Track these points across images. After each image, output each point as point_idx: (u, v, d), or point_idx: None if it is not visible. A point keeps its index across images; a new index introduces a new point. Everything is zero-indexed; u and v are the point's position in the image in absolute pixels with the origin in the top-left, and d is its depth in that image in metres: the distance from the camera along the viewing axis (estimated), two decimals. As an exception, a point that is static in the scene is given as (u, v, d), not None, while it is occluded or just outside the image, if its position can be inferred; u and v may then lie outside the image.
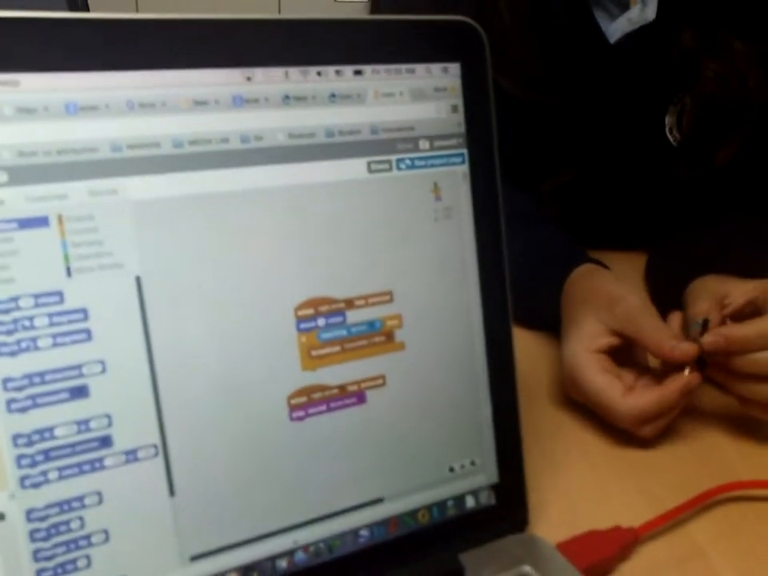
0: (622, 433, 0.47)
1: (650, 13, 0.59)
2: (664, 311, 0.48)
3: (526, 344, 0.58)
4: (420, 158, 0.32)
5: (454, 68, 0.33)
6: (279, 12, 2.18)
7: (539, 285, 0.56)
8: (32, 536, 0.26)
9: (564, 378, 0.49)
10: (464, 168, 0.33)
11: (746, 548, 0.39)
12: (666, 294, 0.55)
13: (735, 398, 0.46)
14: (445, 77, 0.32)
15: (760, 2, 0.58)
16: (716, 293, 0.48)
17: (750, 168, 0.66)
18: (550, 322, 0.54)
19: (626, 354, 0.48)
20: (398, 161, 0.32)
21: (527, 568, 0.34)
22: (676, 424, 0.47)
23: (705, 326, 0.45)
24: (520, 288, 0.52)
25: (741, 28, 0.58)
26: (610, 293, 0.49)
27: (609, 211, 0.71)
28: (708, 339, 0.44)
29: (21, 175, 0.25)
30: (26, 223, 0.25)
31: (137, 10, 2.24)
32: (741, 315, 0.47)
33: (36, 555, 0.26)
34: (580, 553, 0.36)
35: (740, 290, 0.47)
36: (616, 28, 0.60)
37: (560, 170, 0.64)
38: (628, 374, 0.47)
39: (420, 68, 0.32)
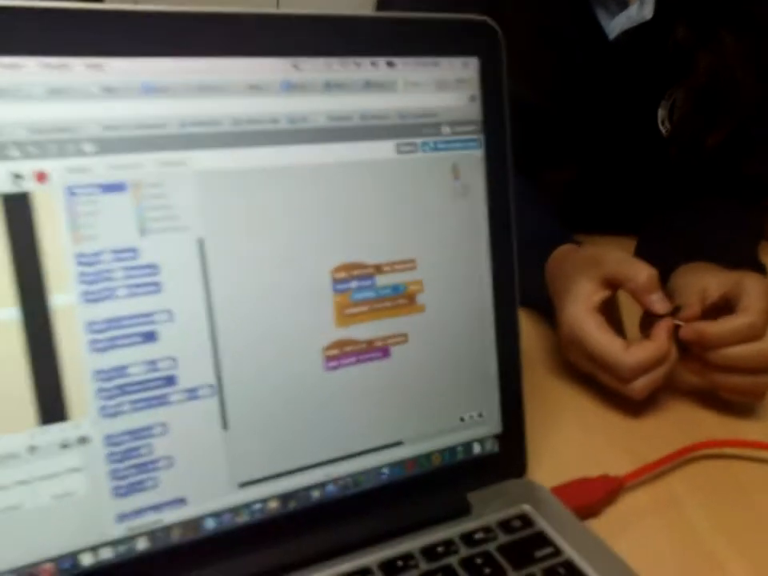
0: (611, 398, 0.51)
1: (648, 11, 0.63)
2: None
3: (523, 321, 0.63)
4: (442, 142, 0.36)
5: (473, 62, 0.37)
6: (278, 5, 2.20)
7: (523, 264, 0.60)
8: (109, 458, 0.30)
9: (563, 342, 0.53)
10: (480, 152, 0.37)
11: (718, 499, 0.44)
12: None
13: (709, 384, 0.51)
14: (465, 70, 0.36)
15: (748, 1, 0.62)
16: (697, 286, 0.53)
17: (732, 153, 0.70)
18: (532, 299, 0.58)
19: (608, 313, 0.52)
20: (423, 143, 0.36)
21: (527, 507, 0.39)
22: (661, 396, 0.52)
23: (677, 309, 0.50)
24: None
25: (731, 24, 0.63)
26: (595, 254, 0.53)
27: (603, 198, 0.75)
28: (685, 331, 0.48)
29: (105, 146, 0.29)
30: (107, 188, 0.29)
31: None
32: (716, 307, 0.51)
33: (112, 475, 0.30)
34: (571, 496, 0.40)
35: (715, 285, 0.52)
36: (615, 25, 0.65)
37: (561, 164, 0.68)
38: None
39: (444, 61, 0.36)
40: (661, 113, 0.69)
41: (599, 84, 0.68)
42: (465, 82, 0.37)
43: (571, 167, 0.69)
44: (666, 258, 0.60)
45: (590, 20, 0.65)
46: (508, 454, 0.41)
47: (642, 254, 0.72)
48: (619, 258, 0.51)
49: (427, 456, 0.38)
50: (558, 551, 0.35)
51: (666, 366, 0.49)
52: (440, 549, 0.35)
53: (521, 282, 0.60)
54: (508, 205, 0.38)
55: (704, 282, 0.53)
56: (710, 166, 0.70)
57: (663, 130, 0.70)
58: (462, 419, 0.39)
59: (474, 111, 0.37)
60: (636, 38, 0.65)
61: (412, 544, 0.35)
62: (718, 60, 0.62)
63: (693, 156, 0.67)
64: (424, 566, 0.34)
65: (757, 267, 0.61)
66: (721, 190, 0.72)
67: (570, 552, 0.36)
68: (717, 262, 0.57)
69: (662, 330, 0.49)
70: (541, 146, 0.70)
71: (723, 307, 0.51)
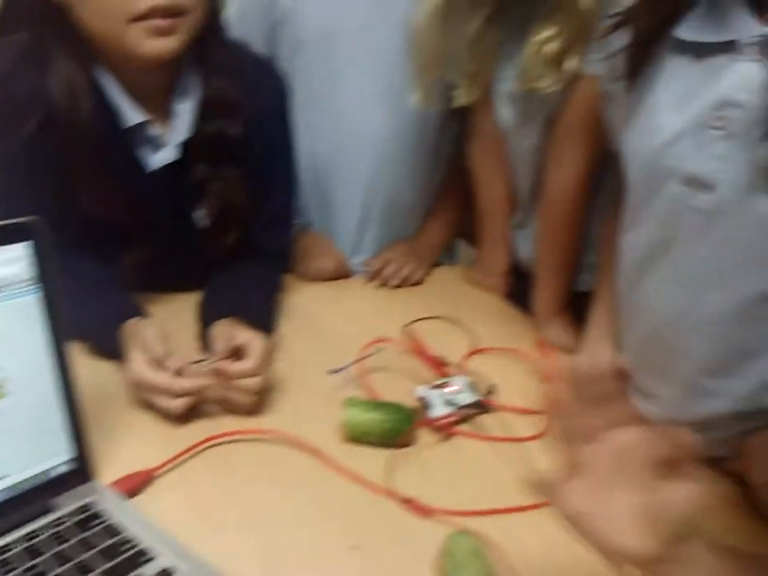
0: (157, 419, 0.80)
1: (175, 154, 0.94)
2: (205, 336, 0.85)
3: (96, 372, 0.89)
4: (16, 294, 0.61)
5: (30, 243, 0.62)
6: None
7: (103, 330, 0.87)
8: None
9: (132, 388, 0.81)
10: (40, 295, 0.63)
11: (223, 471, 0.75)
12: (204, 327, 0.92)
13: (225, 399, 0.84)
14: (25, 249, 0.62)
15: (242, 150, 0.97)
16: (227, 336, 0.84)
17: (253, 237, 1.05)
18: (108, 355, 0.87)
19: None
20: (5, 297, 0.60)
21: (90, 499, 0.66)
22: (193, 412, 0.82)
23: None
24: (94, 332, 0.84)
25: (232, 163, 0.97)
26: (136, 330, 0.83)
27: (169, 271, 1.05)
28: (212, 368, 0.80)
29: None
30: None
31: None
32: (238, 349, 0.84)
33: None
34: (121, 486, 0.69)
35: (238, 337, 0.83)
36: (154, 162, 0.94)
37: (132, 253, 0.96)
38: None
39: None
40: (200, 213, 1.00)
41: (150, 199, 0.97)
42: (25, 257, 0.62)
43: (141, 254, 0.97)
44: (212, 314, 0.92)
45: (133, 158, 0.94)
46: (80, 468, 0.67)
47: (201, 310, 1.03)
48: (152, 332, 0.81)
49: (26, 480, 0.63)
50: (105, 520, 0.63)
51: (197, 395, 0.80)
52: (31, 535, 0.61)
53: (101, 344, 0.87)
54: (60, 323, 0.65)
55: (231, 334, 0.85)
56: (241, 247, 1.04)
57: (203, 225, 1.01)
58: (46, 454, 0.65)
59: (32, 272, 0.62)
60: (171, 170, 0.95)
61: (18, 533, 0.60)
62: (225, 186, 0.96)
63: (222, 247, 1.01)
64: (24, 544, 0.59)
65: (266, 327, 0.95)
66: (254, 259, 1.07)
67: (115, 518, 0.64)
68: (242, 320, 0.90)
69: (201, 378, 0.80)
70: (118, 239, 0.96)
71: (242, 350, 0.84)
